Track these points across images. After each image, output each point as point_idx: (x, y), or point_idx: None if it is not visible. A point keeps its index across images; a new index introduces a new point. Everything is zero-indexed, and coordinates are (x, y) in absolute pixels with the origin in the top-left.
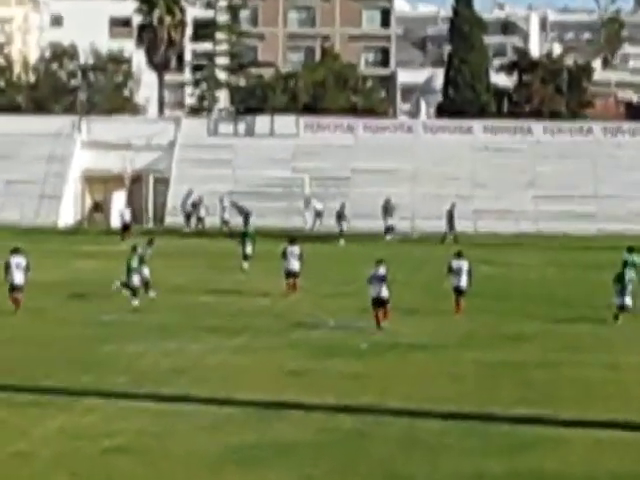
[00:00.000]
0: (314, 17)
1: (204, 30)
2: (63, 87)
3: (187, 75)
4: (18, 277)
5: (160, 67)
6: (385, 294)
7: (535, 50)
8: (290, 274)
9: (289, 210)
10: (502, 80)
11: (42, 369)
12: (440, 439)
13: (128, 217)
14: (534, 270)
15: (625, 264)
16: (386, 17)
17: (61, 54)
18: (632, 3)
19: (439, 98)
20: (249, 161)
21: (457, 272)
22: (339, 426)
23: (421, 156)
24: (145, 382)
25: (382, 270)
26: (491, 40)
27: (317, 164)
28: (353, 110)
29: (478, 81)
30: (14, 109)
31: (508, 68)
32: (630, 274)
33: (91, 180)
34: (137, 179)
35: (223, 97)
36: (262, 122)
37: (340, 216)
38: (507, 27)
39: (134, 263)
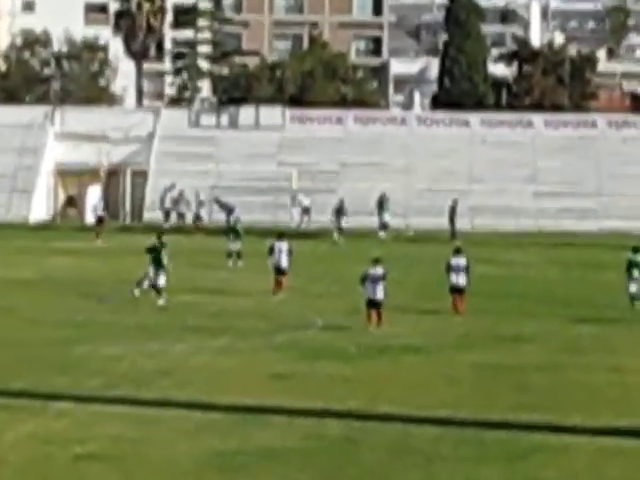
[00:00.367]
0: (302, 3)
1: (185, 17)
2: (35, 76)
3: (167, 64)
4: None
5: (138, 55)
6: (380, 296)
7: (536, 39)
8: (278, 271)
9: (275, 206)
10: (501, 71)
11: (12, 371)
12: (434, 447)
13: (101, 212)
14: (534, 269)
15: (629, 265)
16: (378, 4)
17: (33, 41)
18: None
19: (434, 89)
20: (233, 154)
21: (456, 270)
22: (327, 432)
23: (415, 150)
24: (122, 385)
25: (380, 270)
26: (489, 29)
27: (304, 158)
28: (343, 101)
29: (475, 71)
30: None
31: (507, 58)
32: (636, 274)
33: (65, 173)
34: (114, 173)
35: (205, 87)
36: (246, 113)
37: (339, 212)
38: (506, 15)
39: (165, 261)
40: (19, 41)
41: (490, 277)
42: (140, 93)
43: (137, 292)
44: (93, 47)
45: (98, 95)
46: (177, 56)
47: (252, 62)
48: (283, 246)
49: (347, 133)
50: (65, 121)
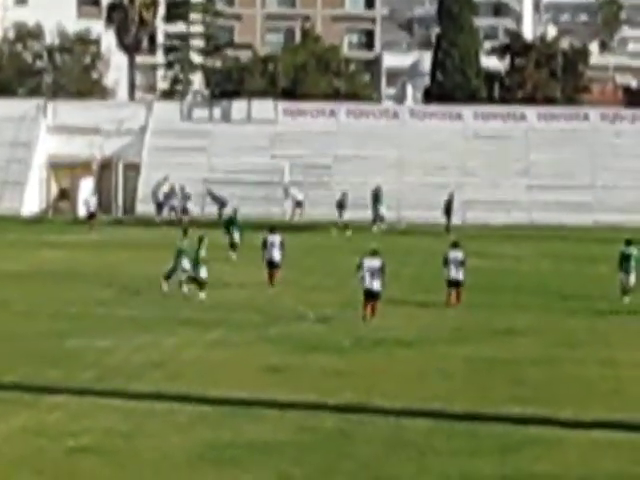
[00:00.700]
0: None
1: (177, 10)
2: (28, 69)
3: (159, 57)
4: None
5: (131, 48)
6: (377, 287)
7: (528, 33)
8: (271, 264)
9: (268, 199)
10: (493, 64)
11: (4, 364)
12: (427, 439)
13: (93, 205)
14: (527, 262)
15: (622, 257)
16: None
17: (26, 34)
18: None
19: (426, 82)
20: (225, 148)
21: (454, 263)
22: (320, 425)
23: (407, 143)
24: (115, 378)
25: (377, 262)
26: (482, 22)
27: (297, 151)
28: (335, 95)
29: (468, 65)
30: None
31: (500, 51)
32: (628, 267)
33: (57, 166)
34: (106, 166)
35: (197, 80)
36: (239, 107)
37: (341, 206)
38: (499, 8)
39: (203, 254)
40: (11, 34)
41: (483, 270)
42: (132, 86)
43: (165, 286)
44: (85, 40)
45: (90, 88)
46: (169, 49)
47: (245, 55)
48: (275, 239)
49: (339, 126)
50: (57, 114)
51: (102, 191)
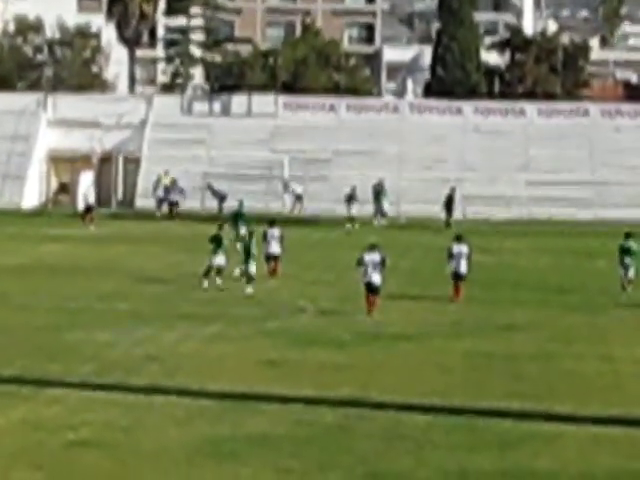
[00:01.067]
0: None
1: (178, 4)
2: (28, 62)
3: (160, 51)
4: None
5: (131, 42)
6: (377, 281)
7: (529, 28)
8: (270, 258)
9: (267, 193)
10: (493, 59)
11: (4, 357)
12: (426, 434)
13: (92, 199)
14: (526, 257)
15: (622, 250)
16: None
17: (26, 28)
18: None
19: (426, 77)
20: (225, 142)
21: (457, 257)
22: (319, 419)
23: (407, 138)
24: (114, 372)
25: (377, 256)
26: (482, 17)
27: (297, 145)
28: (335, 89)
29: (468, 60)
30: None
31: (500, 46)
32: (628, 260)
33: (57, 160)
34: (106, 160)
35: (198, 74)
36: (239, 101)
37: (350, 199)
38: (499, 3)
39: (253, 249)
40: (12, 27)
41: (482, 266)
42: (132, 80)
43: (205, 284)
44: (86, 34)
45: (90, 82)
46: (170, 43)
47: (245, 49)
48: (275, 233)
49: (340, 121)
50: (57, 108)
51: (102, 185)
